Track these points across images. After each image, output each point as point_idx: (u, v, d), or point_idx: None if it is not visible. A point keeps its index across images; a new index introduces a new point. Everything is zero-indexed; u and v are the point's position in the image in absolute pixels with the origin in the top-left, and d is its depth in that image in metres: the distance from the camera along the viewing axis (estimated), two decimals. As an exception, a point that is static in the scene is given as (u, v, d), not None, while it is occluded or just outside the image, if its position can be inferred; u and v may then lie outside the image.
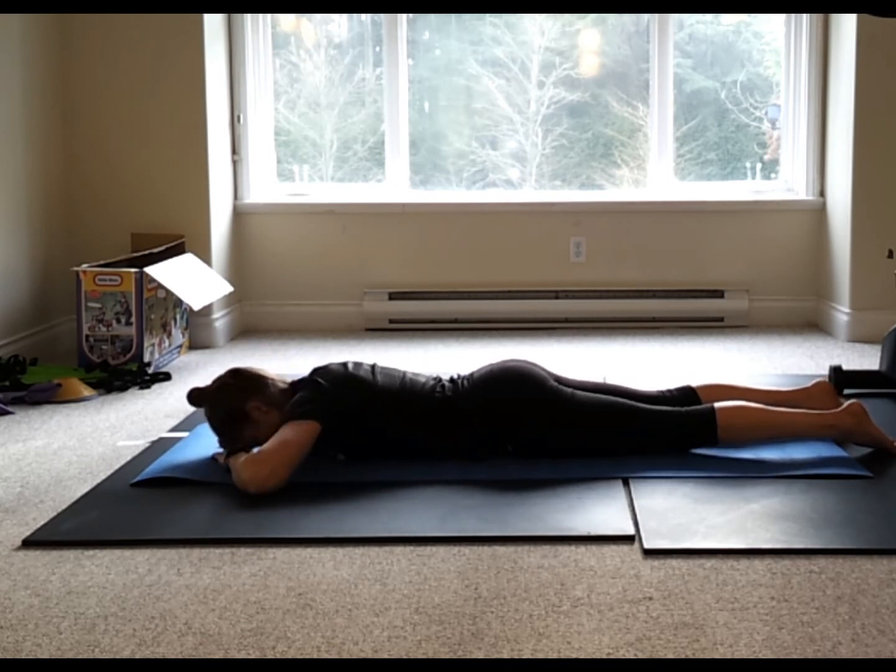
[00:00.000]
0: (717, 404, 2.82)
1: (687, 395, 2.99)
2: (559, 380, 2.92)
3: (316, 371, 2.87)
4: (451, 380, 2.90)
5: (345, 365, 2.87)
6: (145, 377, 3.89)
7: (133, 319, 3.97)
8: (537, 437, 2.79)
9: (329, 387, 2.76)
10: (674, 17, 4.99)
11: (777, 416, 2.83)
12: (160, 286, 4.05)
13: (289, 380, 2.89)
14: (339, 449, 2.83)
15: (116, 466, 2.85)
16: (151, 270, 3.97)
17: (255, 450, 2.71)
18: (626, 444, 2.80)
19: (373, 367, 2.91)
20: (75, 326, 4.03)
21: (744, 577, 2.06)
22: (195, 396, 2.89)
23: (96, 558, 2.22)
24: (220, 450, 2.81)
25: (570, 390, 2.85)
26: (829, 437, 2.85)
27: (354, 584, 2.06)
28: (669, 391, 3.02)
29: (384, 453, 2.81)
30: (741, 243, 4.93)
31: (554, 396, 2.81)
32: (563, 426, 2.79)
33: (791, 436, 2.85)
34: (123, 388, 3.78)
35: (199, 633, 1.87)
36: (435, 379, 2.91)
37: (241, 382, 2.83)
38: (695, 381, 3.09)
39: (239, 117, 4.90)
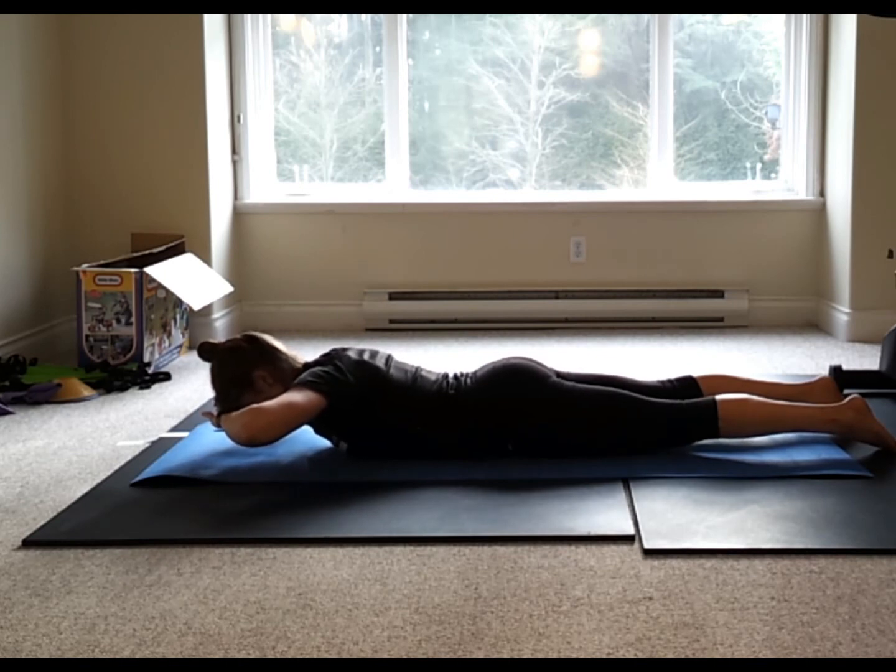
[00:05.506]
0: (718, 397, 2.82)
1: (688, 385, 3.00)
2: (560, 374, 2.92)
3: (332, 351, 2.89)
4: (455, 377, 2.91)
5: (360, 353, 2.89)
6: (145, 377, 3.88)
7: (133, 319, 3.97)
8: (538, 433, 2.79)
9: (344, 368, 2.78)
10: (674, 17, 4.99)
11: (778, 409, 2.83)
12: (160, 286, 4.05)
13: (303, 360, 2.91)
14: (342, 436, 2.84)
15: (116, 466, 2.85)
16: (151, 270, 3.97)
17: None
18: (627, 436, 2.79)
19: (387, 358, 2.92)
20: (75, 326, 4.03)
21: (744, 577, 2.06)
22: (207, 350, 2.90)
23: (96, 558, 2.22)
24: (213, 409, 2.83)
25: (570, 384, 2.85)
26: (831, 431, 2.84)
27: (354, 584, 2.06)
28: (671, 381, 3.03)
29: (386, 447, 2.81)
30: (741, 243, 4.93)
31: (555, 392, 2.81)
32: (563, 420, 2.78)
33: (792, 429, 2.85)
34: (123, 388, 3.78)
35: (199, 633, 1.86)
36: (442, 376, 2.92)
37: (255, 348, 2.85)
38: (696, 372, 3.10)
39: (239, 117, 4.90)
